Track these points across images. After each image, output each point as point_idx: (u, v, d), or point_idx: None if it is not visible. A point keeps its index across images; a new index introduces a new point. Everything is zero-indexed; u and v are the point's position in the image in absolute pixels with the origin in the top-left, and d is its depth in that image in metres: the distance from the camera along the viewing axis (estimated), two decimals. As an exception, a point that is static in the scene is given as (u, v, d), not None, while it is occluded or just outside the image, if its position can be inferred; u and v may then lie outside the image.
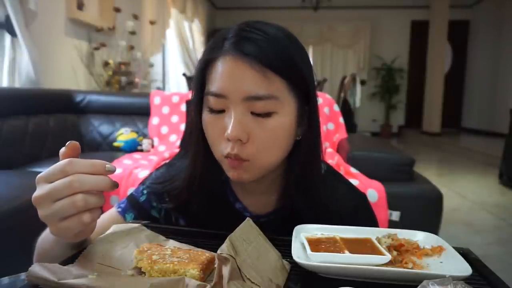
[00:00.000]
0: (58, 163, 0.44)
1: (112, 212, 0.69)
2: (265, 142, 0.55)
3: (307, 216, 0.61)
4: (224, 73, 0.54)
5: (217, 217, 0.64)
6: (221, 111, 0.55)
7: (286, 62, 0.54)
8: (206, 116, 0.57)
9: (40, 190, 0.44)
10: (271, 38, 0.54)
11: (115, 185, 0.46)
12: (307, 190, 0.62)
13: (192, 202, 0.65)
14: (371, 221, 0.69)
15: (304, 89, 0.57)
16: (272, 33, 0.55)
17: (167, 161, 0.74)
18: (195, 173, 0.62)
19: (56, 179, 0.43)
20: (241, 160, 0.55)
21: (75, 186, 0.43)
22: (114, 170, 0.46)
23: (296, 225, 0.56)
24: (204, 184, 0.63)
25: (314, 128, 0.60)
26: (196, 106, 0.59)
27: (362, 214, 0.68)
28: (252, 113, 0.54)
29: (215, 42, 0.56)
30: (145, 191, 0.70)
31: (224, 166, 0.58)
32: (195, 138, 0.61)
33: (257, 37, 0.54)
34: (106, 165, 0.45)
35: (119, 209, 0.70)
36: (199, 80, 0.58)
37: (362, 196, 0.70)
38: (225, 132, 0.53)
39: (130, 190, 1.09)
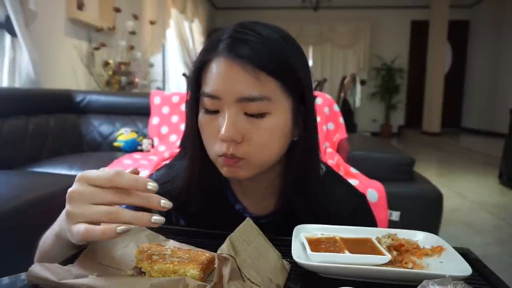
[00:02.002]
0: (106, 171, 0.44)
1: None
2: (259, 142, 0.55)
3: (305, 217, 0.61)
4: (217, 74, 0.54)
5: (216, 218, 0.64)
6: (216, 112, 0.56)
7: (280, 64, 0.55)
8: (202, 116, 0.57)
9: (81, 187, 0.44)
10: (265, 40, 0.54)
11: (156, 221, 0.44)
12: (305, 191, 0.62)
13: (191, 202, 0.65)
14: (371, 222, 0.69)
15: (299, 90, 0.57)
16: (267, 34, 0.55)
17: (167, 162, 0.74)
18: (194, 173, 0.63)
19: (101, 185, 0.43)
20: (236, 159, 0.55)
21: (115, 200, 0.43)
22: (156, 189, 0.45)
23: (296, 226, 0.56)
24: (203, 184, 0.63)
25: (310, 128, 0.60)
26: (192, 107, 0.60)
27: (361, 215, 0.68)
28: (246, 113, 0.54)
29: (210, 43, 0.57)
30: None
31: (218, 164, 0.58)
32: (192, 139, 0.61)
33: (251, 39, 0.54)
34: (149, 183, 0.44)
35: None
36: (194, 81, 0.58)
37: (362, 197, 0.70)
38: (219, 133, 0.54)
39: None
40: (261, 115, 0.54)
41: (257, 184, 0.63)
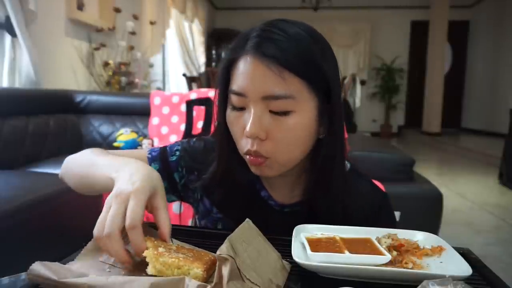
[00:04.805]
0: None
1: (141, 155, 0.72)
2: (283, 140, 0.56)
3: (326, 212, 0.62)
4: (244, 72, 0.56)
5: (242, 203, 0.67)
6: (242, 109, 0.58)
7: (306, 63, 0.55)
8: (230, 113, 0.60)
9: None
10: (291, 38, 0.55)
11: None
12: (326, 188, 0.63)
13: (219, 187, 0.67)
14: (393, 220, 0.71)
15: (325, 87, 0.58)
16: (294, 33, 0.56)
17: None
18: (221, 167, 0.65)
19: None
20: (260, 157, 0.57)
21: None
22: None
23: (316, 219, 0.57)
24: (230, 175, 0.66)
25: (336, 126, 0.61)
26: (220, 103, 0.62)
27: (385, 213, 0.70)
28: (271, 111, 0.56)
29: (238, 42, 0.59)
30: (177, 153, 0.73)
31: (247, 161, 0.61)
32: (220, 133, 0.64)
33: (278, 38, 0.55)
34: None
35: (149, 156, 0.72)
36: (223, 78, 0.60)
37: (385, 195, 0.72)
38: (245, 129, 0.56)
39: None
40: (285, 113, 0.56)
41: (284, 179, 0.65)
